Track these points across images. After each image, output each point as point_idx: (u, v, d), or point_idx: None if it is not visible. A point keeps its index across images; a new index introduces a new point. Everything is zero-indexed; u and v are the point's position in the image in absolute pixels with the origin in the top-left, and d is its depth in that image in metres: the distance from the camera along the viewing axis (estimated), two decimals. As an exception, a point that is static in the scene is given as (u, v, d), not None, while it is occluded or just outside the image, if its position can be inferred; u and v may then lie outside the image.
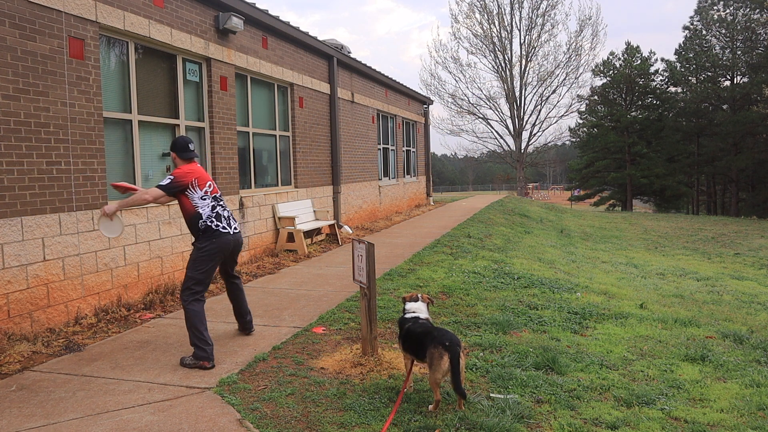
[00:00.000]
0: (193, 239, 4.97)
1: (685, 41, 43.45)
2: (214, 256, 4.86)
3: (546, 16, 33.96)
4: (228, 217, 5.11)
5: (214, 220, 4.94)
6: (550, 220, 20.47)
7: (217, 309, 6.40)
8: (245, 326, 5.42)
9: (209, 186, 5.03)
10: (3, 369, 4.55)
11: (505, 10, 34.29)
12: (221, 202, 5.12)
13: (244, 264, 8.86)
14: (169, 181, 4.88)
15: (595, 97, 45.59)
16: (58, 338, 5.34)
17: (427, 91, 35.48)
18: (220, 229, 4.92)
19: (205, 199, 4.98)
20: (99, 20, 6.21)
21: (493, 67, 35.25)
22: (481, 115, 36.09)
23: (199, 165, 5.14)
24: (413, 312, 4.14)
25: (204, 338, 4.61)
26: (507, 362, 4.58)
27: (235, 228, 5.11)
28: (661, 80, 45.21)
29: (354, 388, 4.08)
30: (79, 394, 4.06)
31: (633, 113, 44.98)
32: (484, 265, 8.74)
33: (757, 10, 38.54)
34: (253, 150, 9.85)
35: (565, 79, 34.63)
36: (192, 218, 4.93)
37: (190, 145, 5.11)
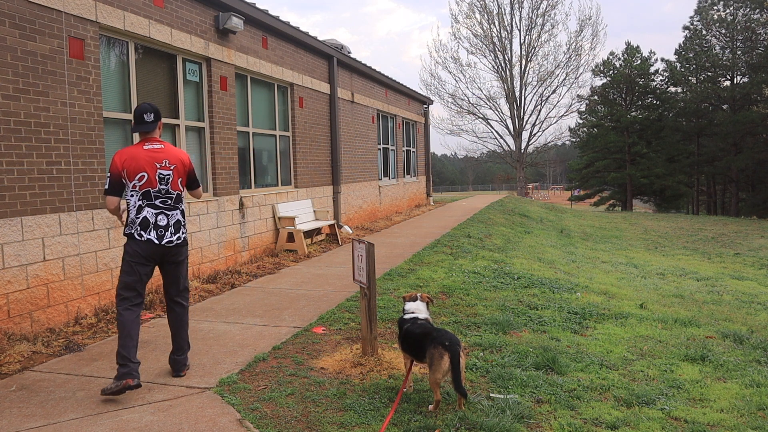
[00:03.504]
0: None
1: (685, 41, 43.46)
2: (136, 261, 4.03)
3: (546, 16, 33.99)
4: (165, 225, 4.09)
5: (138, 227, 4.02)
6: (550, 220, 20.47)
7: (218, 309, 6.40)
8: (174, 363, 4.32)
9: (140, 178, 4.02)
10: (3, 369, 4.55)
11: (505, 10, 34.32)
12: (157, 201, 4.08)
13: (244, 264, 8.87)
14: (107, 179, 4.06)
15: (595, 97, 45.60)
16: (58, 338, 5.34)
17: (427, 91, 35.50)
18: (143, 240, 4.02)
19: (132, 196, 4.05)
20: (99, 20, 6.21)
21: (493, 67, 35.28)
22: (481, 115, 36.12)
23: (152, 143, 4.14)
24: (412, 312, 4.14)
25: (128, 352, 3.89)
26: (507, 362, 4.58)
27: (169, 240, 4.11)
28: (661, 80, 45.26)
29: (354, 388, 4.08)
30: (79, 394, 4.06)
31: (633, 113, 45.00)
32: (484, 265, 8.74)
33: (757, 10, 38.55)
34: (253, 150, 9.85)
35: (565, 79, 34.65)
36: (127, 215, 4.15)
37: (145, 115, 4.12)
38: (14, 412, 3.78)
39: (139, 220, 4.03)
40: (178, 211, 4.21)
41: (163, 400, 3.92)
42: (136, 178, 4.02)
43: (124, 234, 4.10)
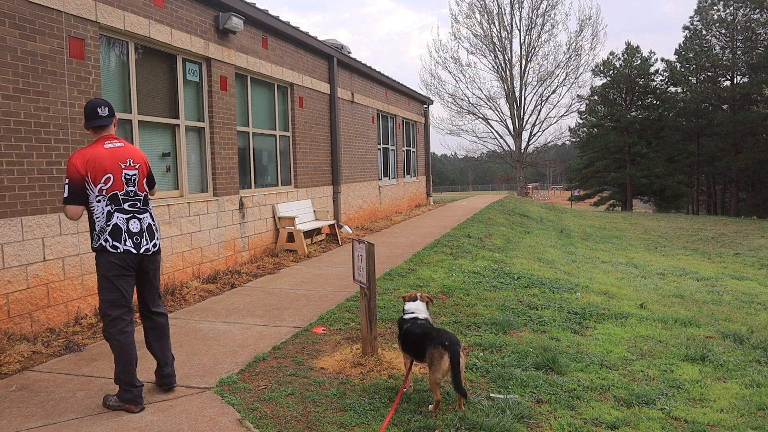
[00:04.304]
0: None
1: (685, 41, 43.47)
2: (116, 274, 3.67)
3: (546, 16, 34.00)
4: (138, 231, 3.72)
5: (109, 237, 3.62)
6: (550, 220, 20.47)
7: (217, 309, 6.40)
8: (166, 378, 4.01)
9: (106, 180, 3.62)
10: (3, 369, 4.55)
11: (505, 10, 34.34)
12: (125, 205, 3.69)
13: (244, 264, 8.87)
14: (66, 186, 3.60)
15: (595, 97, 45.62)
16: (58, 338, 5.34)
17: (427, 91, 35.52)
18: (119, 252, 3.63)
19: (99, 201, 3.62)
20: (99, 20, 6.21)
21: (493, 67, 35.29)
22: (481, 115, 36.14)
23: (111, 141, 3.74)
24: (412, 312, 4.14)
25: (132, 381, 3.69)
26: (507, 362, 4.58)
27: (146, 248, 3.76)
28: (661, 80, 45.27)
29: (354, 388, 4.08)
30: (79, 394, 4.06)
31: (633, 113, 45.01)
32: (484, 265, 8.74)
33: (757, 10, 38.56)
34: (253, 150, 9.85)
35: (565, 79, 34.68)
36: (90, 225, 3.71)
37: (99, 109, 3.71)
38: (14, 412, 3.78)
39: (110, 228, 3.63)
40: (147, 214, 3.85)
41: (163, 400, 3.91)
42: (102, 181, 3.61)
43: (94, 248, 3.68)
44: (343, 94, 13.58)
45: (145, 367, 4.38)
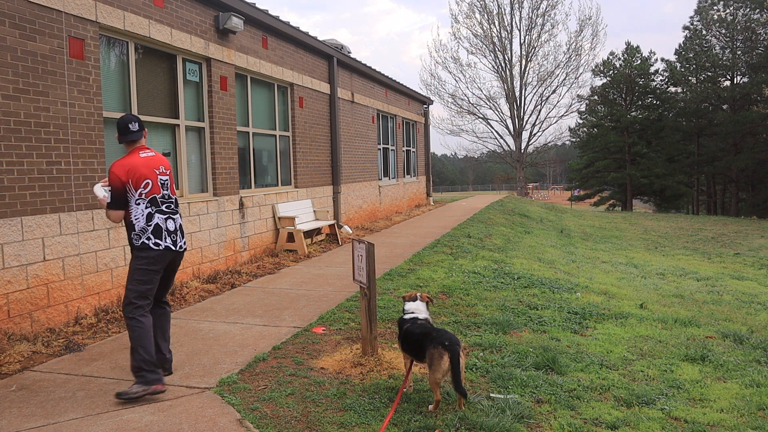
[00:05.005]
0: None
1: (685, 41, 43.47)
2: (155, 269, 4.10)
3: (546, 16, 33.99)
4: (174, 230, 4.16)
5: (151, 236, 4.04)
6: (550, 220, 20.48)
7: (217, 309, 6.40)
8: (167, 362, 4.34)
9: (146, 185, 4.05)
10: (3, 369, 4.55)
11: (505, 10, 34.32)
12: (163, 207, 4.13)
13: (244, 264, 8.87)
14: (110, 193, 4.03)
15: (595, 97, 45.61)
16: (58, 338, 5.34)
17: (427, 91, 35.51)
18: (161, 249, 4.06)
19: (139, 204, 4.04)
20: (99, 20, 6.21)
21: (493, 67, 35.29)
22: (481, 115, 36.12)
23: (145, 151, 4.18)
24: (412, 312, 4.14)
25: (153, 356, 3.99)
26: (507, 362, 4.58)
27: (180, 246, 4.21)
28: (661, 80, 45.26)
29: (354, 388, 4.08)
30: (79, 394, 4.06)
31: (633, 113, 45.00)
32: (484, 265, 8.74)
33: (757, 10, 38.55)
34: (253, 150, 9.85)
35: (565, 79, 34.65)
36: (128, 227, 4.10)
37: (131, 125, 4.14)
38: (14, 412, 3.78)
39: (152, 227, 4.05)
40: (179, 215, 4.29)
41: (163, 400, 3.92)
42: (142, 185, 4.04)
43: (136, 245, 4.06)
44: (343, 94, 13.58)
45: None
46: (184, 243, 4.28)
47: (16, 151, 5.27)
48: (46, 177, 5.56)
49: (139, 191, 4.03)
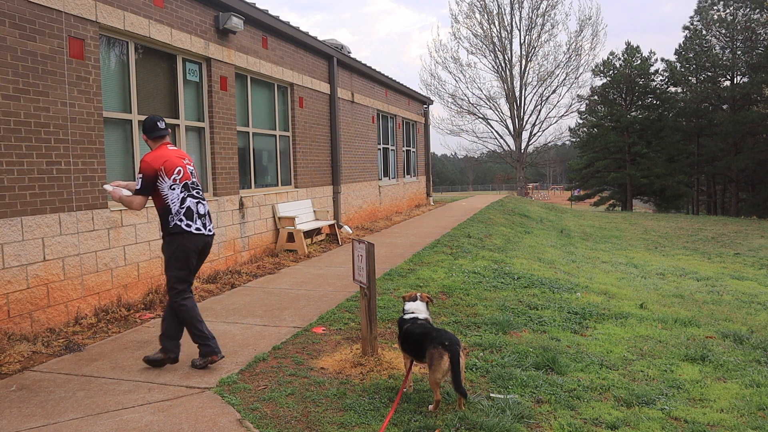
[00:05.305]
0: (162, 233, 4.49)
1: (685, 41, 43.46)
2: (189, 251, 4.42)
3: (546, 16, 33.97)
4: (204, 214, 4.52)
5: (183, 218, 4.39)
6: (550, 220, 20.48)
7: (218, 309, 6.40)
8: (177, 350, 4.63)
9: (178, 172, 4.43)
10: (3, 369, 4.55)
11: (505, 10, 34.31)
12: (194, 192, 4.49)
13: (244, 264, 8.87)
14: (140, 180, 4.39)
15: (595, 97, 45.59)
16: (58, 338, 5.34)
17: (427, 91, 35.50)
18: (192, 231, 4.40)
19: (174, 189, 4.40)
20: (99, 20, 6.21)
21: (493, 67, 35.27)
22: (481, 115, 36.11)
23: (171, 146, 4.65)
24: (412, 312, 4.14)
25: (204, 333, 4.42)
26: (507, 362, 4.58)
27: (209, 229, 4.55)
28: (661, 80, 45.24)
29: (354, 388, 4.08)
30: (79, 394, 4.06)
31: (633, 113, 44.99)
32: (484, 265, 8.74)
33: (757, 10, 38.55)
34: (253, 150, 9.85)
35: (565, 79, 34.63)
36: (162, 212, 4.43)
37: (159, 123, 4.55)
38: (14, 412, 3.78)
39: (184, 210, 4.39)
40: (206, 201, 4.65)
41: (163, 400, 3.92)
42: (175, 172, 4.39)
43: (169, 229, 4.38)
44: (343, 94, 13.58)
45: (144, 367, 4.38)
46: (214, 227, 4.64)
47: (16, 151, 5.27)
48: (46, 177, 5.56)
49: (173, 177, 4.38)
